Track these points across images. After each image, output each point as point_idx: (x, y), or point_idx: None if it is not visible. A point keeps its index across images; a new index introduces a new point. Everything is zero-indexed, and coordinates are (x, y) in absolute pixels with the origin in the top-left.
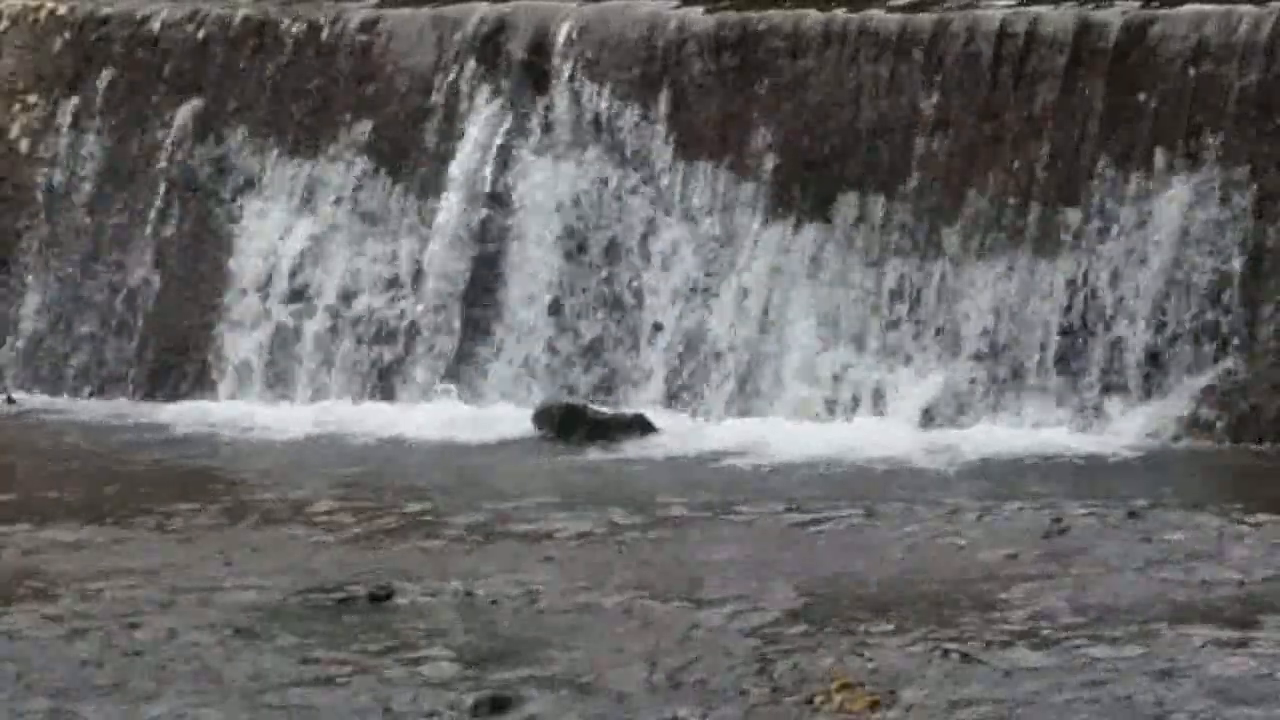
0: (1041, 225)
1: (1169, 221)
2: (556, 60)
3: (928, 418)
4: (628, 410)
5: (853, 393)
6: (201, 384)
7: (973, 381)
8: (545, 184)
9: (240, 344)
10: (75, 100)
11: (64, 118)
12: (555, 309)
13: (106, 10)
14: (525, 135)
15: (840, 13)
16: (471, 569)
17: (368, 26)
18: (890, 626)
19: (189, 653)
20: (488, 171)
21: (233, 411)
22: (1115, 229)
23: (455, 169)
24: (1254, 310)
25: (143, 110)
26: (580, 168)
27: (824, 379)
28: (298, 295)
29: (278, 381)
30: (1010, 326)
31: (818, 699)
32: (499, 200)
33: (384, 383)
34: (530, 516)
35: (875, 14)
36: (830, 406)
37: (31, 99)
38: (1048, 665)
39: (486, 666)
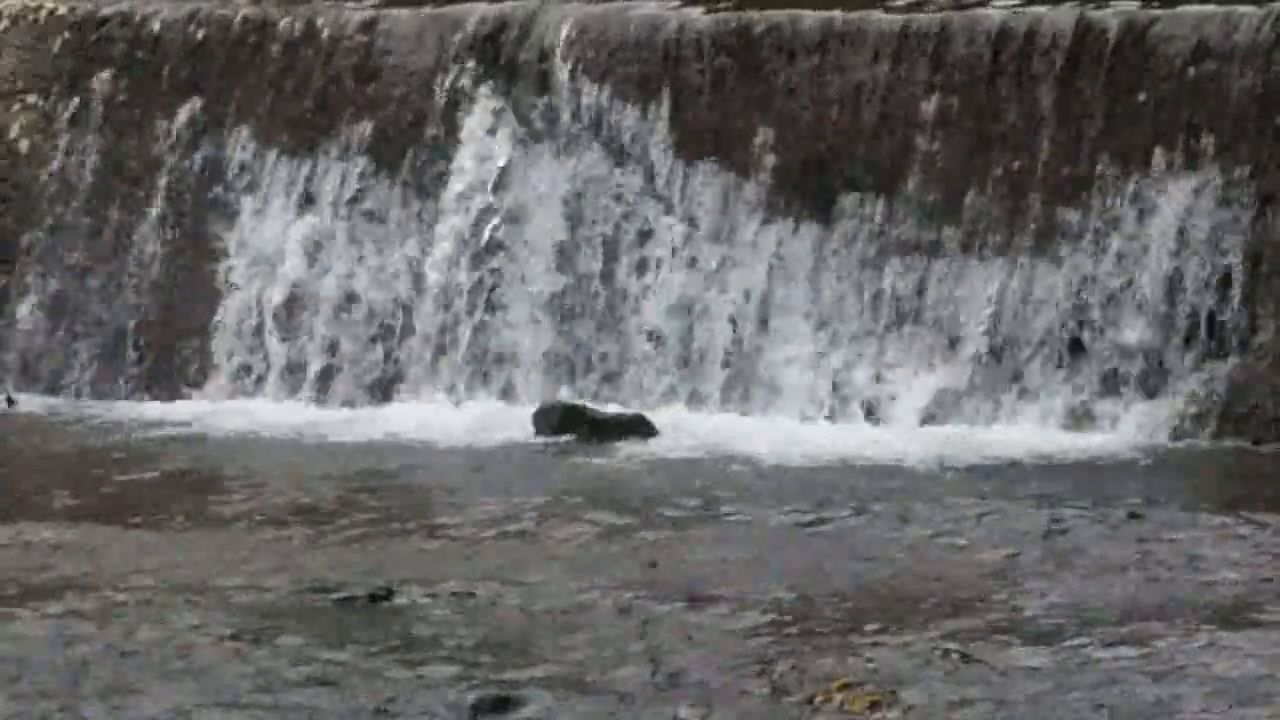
0: (1041, 225)
1: (1168, 221)
2: (556, 60)
3: (927, 418)
4: (628, 410)
5: (852, 393)
6: (200, 384)
7: (972, 381)
8: (545, 184)
9: (239, 344)
10: (75, 100)
11: (64, 118)
12: (555, 309)
13: (106, 10)
14: (525, 135)
15: (840, 13)
16: (471, 569)
17: (368, 26)
18: (890, 626)
19: (188, 653)
20: (487, 171)
21: (232, 412)
22: (1115, 229)
23: (455, 169)
24: (1254, 310)
25: (143, 110)
26: (580, 167)
27: (823, 379)
28: (297, 296)
29: (277, 382)
30: (1009, 326)
31: (818, 699)
32: (498, 200)
33: (383, 383)
34: (530, 516)
35: (875, 14)
36: (830, 407)
37: (31, 99)
38: (1048, 665)
39: (486, 666)
